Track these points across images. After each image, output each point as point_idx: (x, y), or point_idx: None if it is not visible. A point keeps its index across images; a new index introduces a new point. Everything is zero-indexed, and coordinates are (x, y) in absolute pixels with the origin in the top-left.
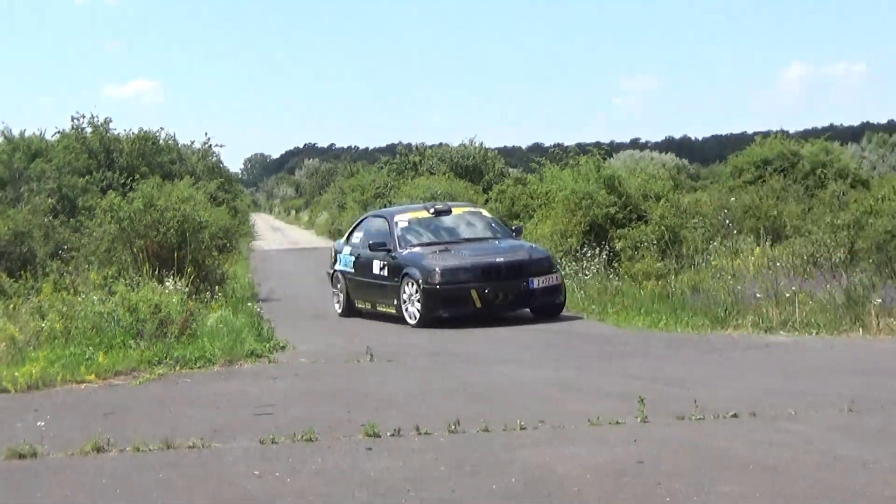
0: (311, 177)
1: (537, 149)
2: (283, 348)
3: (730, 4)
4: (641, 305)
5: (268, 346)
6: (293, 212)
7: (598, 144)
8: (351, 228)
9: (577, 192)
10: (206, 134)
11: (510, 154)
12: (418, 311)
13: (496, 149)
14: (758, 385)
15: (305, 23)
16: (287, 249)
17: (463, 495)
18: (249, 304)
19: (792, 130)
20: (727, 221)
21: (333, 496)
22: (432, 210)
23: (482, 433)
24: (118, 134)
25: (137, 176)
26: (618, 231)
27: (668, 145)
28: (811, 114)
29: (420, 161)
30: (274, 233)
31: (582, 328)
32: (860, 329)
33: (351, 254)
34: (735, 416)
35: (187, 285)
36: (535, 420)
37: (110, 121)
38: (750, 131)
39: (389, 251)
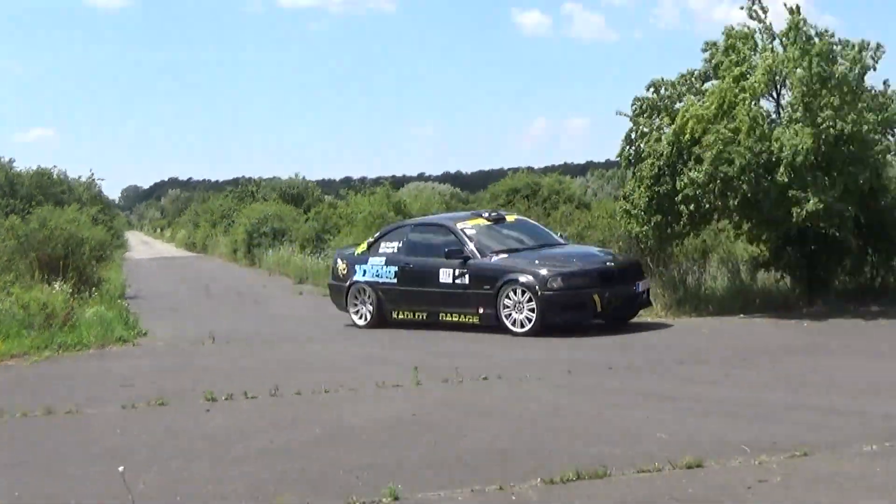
0: (173, 203)
1: (347, 181)
2: (145, 335)
3: (493, 71)
4: None
5: (133, 333)
6: (158, 230)
7: (392, 178)
8: (374, 238)
9: (373, 213)
10: (90, 170)
11: (327, 185)
12: (529, 318)
13: (315, 180)
14: (503, 356)
15: (168, 79)
16: (153, 258)
17: (279, 443)
18: (120, 300)
19: (536, 167)
20: None
21: (179, 447)
22: (486, 216)
23: (295, 396)
24: (20, 171)
25: (35, 203)
26: None
27: (446, 178)
28: (550, 154)
29: (256, 190)
30: (143, 245)
31: None
32: None
33: (388, 263)
34: (486, 378)
35: (70, 287)
36: (336, 385)
37: (14, 160)
38: (506, 167)
39: (467, 259)
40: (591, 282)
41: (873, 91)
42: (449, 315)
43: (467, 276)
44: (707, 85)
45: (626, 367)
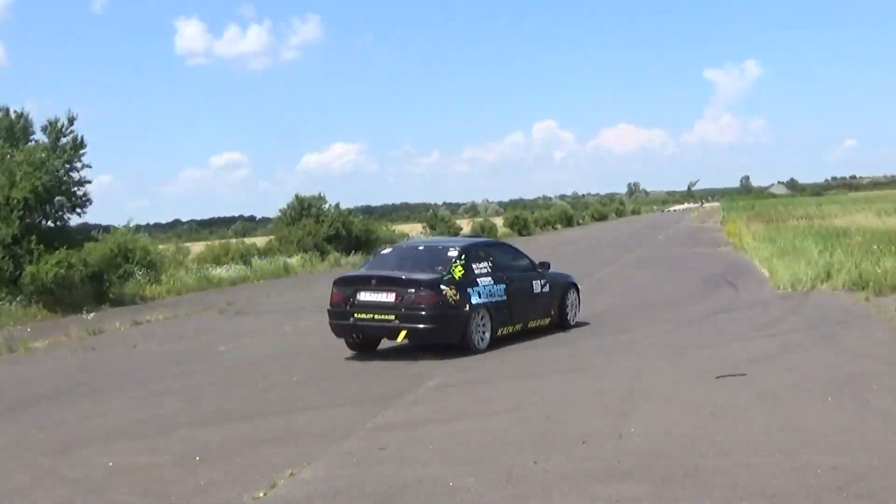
0: None
1: None
2: None
3: None
4: None
5: None
6: None
7: None
8: (463, 260)
9: None
10: None
11: None
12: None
13: None
14: None
15: None
16: None
17: None
18: None
19: None
20: None
21: None
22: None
23: None
24: None
25: None
26: None
27: None
28: None
29: None
30: None
31: None
32: None
33: (496, 282)
34: None
35: None
36: None
37: None
38: None
39: (541, 272)
40: None
41: None
42: (534, 321)
43: (548, 285)
44: None
45: None
